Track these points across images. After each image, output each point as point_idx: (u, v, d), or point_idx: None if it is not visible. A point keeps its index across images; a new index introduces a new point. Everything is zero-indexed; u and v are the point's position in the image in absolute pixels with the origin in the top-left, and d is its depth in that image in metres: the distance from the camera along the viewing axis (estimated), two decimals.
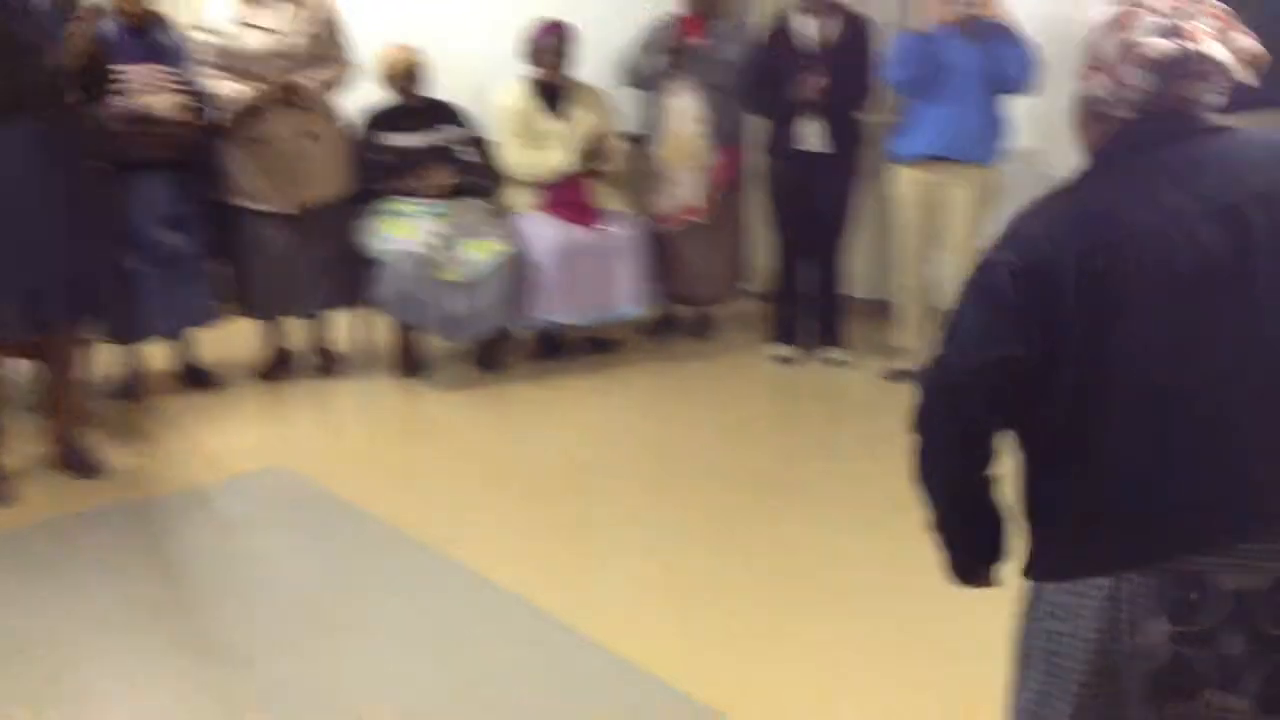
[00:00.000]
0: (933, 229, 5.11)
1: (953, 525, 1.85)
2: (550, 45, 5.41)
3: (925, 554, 2.43)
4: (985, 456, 1.78)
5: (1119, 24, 1.69)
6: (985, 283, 1.69)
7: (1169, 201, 1.60)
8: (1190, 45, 1.63)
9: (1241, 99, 4.57)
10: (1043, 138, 5.30)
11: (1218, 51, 1.64)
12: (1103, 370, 1.60)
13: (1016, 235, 1.69)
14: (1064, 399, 1.63)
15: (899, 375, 5.23)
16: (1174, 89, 1.65)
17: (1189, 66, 1.63)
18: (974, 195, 4.97)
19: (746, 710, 2.86)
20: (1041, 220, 1.68)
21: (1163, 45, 1.64)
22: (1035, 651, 1.76)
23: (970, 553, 1.88)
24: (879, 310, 5.61)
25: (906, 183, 5.10)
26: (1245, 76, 1.68)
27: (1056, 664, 1.71)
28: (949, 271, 5.11)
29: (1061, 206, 1.69)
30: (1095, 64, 1.72)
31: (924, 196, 5.05)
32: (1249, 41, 1.68)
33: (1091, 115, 1.76)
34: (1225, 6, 1.69)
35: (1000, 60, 4.80)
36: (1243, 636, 1.58)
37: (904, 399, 4.97)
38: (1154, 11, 1.66)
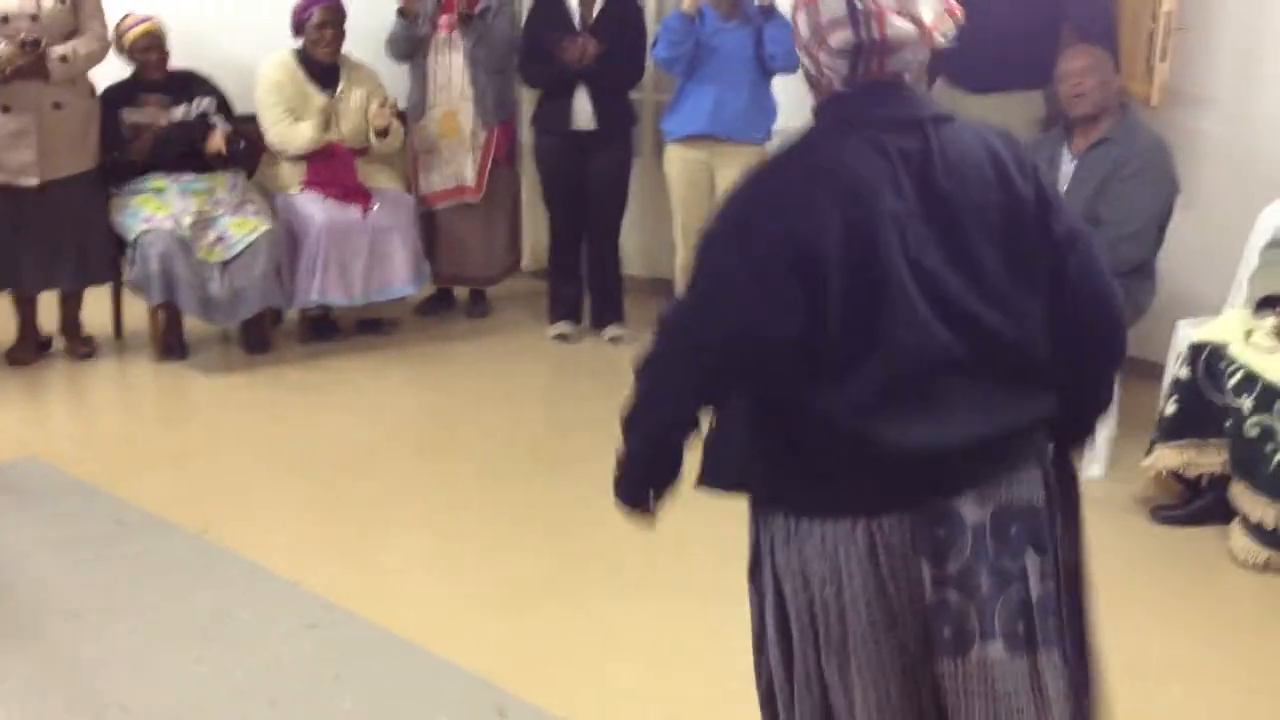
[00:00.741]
0: (708, 207, 5.19)
1: (641, 465, 1.91)
2: (317, 19, 5.22)
3: (702, 525, 2.49)
4: (697, 415, 1.81)
5: (805, 5, 1.74)
6: (752, 251, 1.67)
7: (907, 193, 1.67)
8: (873, 32, 1.68)
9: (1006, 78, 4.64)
10: (801, 116, 5.44)
11: (901, 30, 1.69)
12: (856, 336, 1.66)
13: (779, 198, 1.70)
14: (816, 361, 1.68)
15: None
16: (869, 66, 1.71)
17: (875, 48, 1.69)
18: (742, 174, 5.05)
19: (523, 681, 2.84)
20: (800, 186, 1.70)
21: (844, 35, 1.69)
22: (802, 625, 1.79)
23: (646, 486, 1.93)
24: (660, 288, 5.66)
25: (677, 160, 5.15)
26: (938, 40, 1.73)
27: (832, 631, 1.75)
28: None
29: (816, 176, 1.70)
30: (798, 43, 1.78)
31: (695, 174, 5.12)
32: (935, 3, 1.73)
33: (812, 85, 1.83)
34: None
35: (763, 42, 4.90)
36: (986, 572, 1.69)
37: None
38: None
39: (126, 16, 5.07)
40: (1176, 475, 3.72)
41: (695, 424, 1.83)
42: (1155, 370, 4.10)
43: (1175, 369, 3.75)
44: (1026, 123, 4.60)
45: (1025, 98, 4.60)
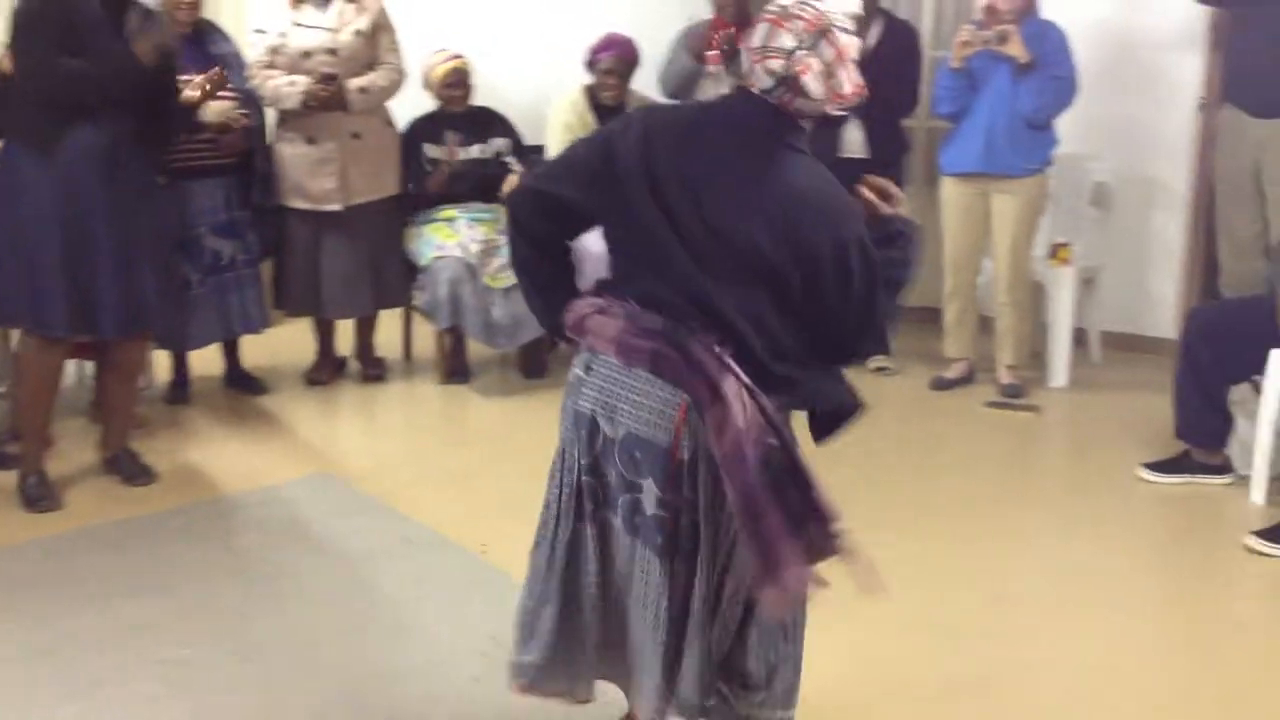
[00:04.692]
0: (981, 237, 5.09)
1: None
2: (605, 66, 5.34)
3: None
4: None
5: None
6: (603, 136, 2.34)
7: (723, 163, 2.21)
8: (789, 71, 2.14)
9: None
10: (1086, 142, 5.26)
11: (811, 87, 2.14)
12: (641, 223, 2.30)
13: (642, 120, 2.27)
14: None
15: (946, 383, 5.21)
16: (778, 95, 2.17)
17: (787, 85, 2.15)
18: (1019, 204, 4.95)
19: None
20: (665, 127, 2.27)
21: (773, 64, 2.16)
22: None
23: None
24: (929, 316, 5.57)
25: (951, 193, 5.10)
26: (831, 109, 2.19)
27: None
28: (997, 279, 5.08)
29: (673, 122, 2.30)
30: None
31: (970, 205, 5.05)
32: (849, 81, 2.14)
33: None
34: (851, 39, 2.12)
35: (1023, 94, 4.80)
36: (614, 470, 2.22)
37: (948, 406, 4.92)
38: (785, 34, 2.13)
39: (436, 53, 5.35)
40: None
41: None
42: None
43: None
44: None
45: None
